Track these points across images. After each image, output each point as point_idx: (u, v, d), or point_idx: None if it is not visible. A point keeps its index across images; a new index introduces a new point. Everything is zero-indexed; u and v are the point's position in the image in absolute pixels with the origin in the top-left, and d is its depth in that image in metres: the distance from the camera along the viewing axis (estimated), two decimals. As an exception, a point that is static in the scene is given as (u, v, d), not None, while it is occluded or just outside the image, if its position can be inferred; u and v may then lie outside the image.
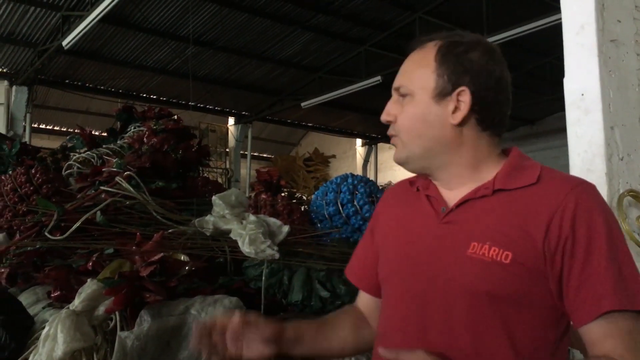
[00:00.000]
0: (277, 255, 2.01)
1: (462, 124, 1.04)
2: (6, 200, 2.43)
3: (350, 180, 2.71)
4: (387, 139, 1.11)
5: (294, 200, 2.94)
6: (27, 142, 4.58)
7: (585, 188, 0.99)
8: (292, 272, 2.03)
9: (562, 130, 1.96)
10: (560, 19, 1.84)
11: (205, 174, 3.37)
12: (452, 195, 1.07)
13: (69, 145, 3.33)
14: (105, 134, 3.47)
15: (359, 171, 15.16)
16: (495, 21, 8.43)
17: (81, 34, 7.89)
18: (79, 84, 11.06)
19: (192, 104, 11.75)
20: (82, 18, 7.75)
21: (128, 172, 2.42)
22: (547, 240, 0.95)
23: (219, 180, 8.35)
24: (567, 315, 0.98)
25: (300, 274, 2.02)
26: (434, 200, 1.09)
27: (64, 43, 8.27)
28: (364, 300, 1.27)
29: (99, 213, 2.15)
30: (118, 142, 3.15)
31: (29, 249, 2.08)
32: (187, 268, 1.76)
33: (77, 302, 1.60)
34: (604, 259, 0.93)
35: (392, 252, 1.15)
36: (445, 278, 1.01)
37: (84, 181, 2.61)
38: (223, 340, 1.13)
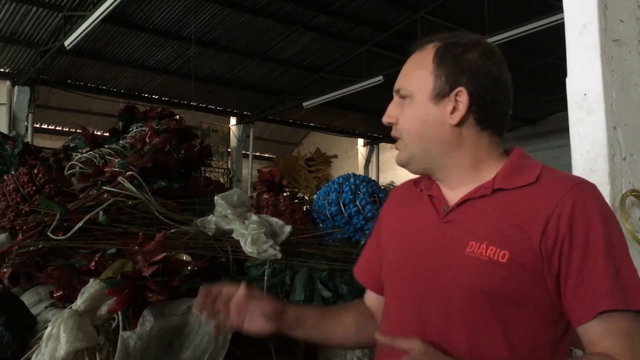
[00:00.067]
0: (279, 255, 2.01)
1: (460, 124, 1.05)
2: (9, 200, 2.43)
3: (352, 180, 2.71)
4: (388, 139, 1.12)
5: (296, 200, 2.94)
6: (30, 142, 4.59)
7: (584, 188, 0.99)
8: (294, 272, 2.03)
9: (563, 130, 1.96)
10: (562, 18, 1.83)
11: (207, 174, 3.37)
12: (454, 195, 1.08)
13: (72, 145, 3.33)
14: (107, 134, 3.47)
15: (360, 171, 15.15)
16: (496, 21, 8.41)
17: (83, 34, 7.90)
18: (81, 84, 11.06)
19: (194, 104, 11.75)
20: (84, 18, 7.76)
21: (130, 172, 2.42)
22: (545, 240, 0.95)
23: (221, 180, 8.36)
24: (566, 315, 0.98)
25: (303, 274, 2.02)
26: (435, 200, 1.10)
27: (66, 43, 8.27)
28: (370, 298, 1.28)
29: (101, 213, 2.15)
30: (120, 142, 3.15)
31: (31, 248, 2.08)
32: (189, 268, 1.76)
33: (79, 302, 1.60)
34: (602, 258, 0.93)
35: (394, 252, 1.16)
36: (443, 277, 1.02)
37: (87, 181, 2.61)
38: (227, 309, 1.16)
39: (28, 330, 1.72)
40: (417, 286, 1.07)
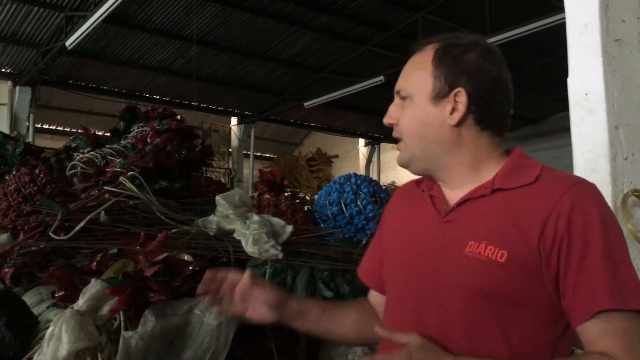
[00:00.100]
0: (280, 255, 2.01)
1: (460, 124, 1.06)
2: (10, 200, 2.43)
3: (353, 180, 2.71)
4: (390, 139, 1.14)
5: (298, 200, 2.94)
6: (31, 143, 4.59)
7: (583, 187, 0.99)
8: (296, 272, 2.03)
9: (565, 130, 1.96)
10: (564, 18, 1.84)
11: (208, 174, 3.37)
12: (454, 195, 1.09)
13: (73, 145, 3.33)
14: (108, 134, 3.47)
15: (361, 171, 15.14)
16: (498, 21, 8.41)
17: (84, 34, 7.91)
18: (83, 84, 11.08)
19: (195, 103, 11.76)
20: (85, 18, 7.77)
21: (132, 172, 2.42)
22: (543, 240, 0.96)
23: (222, 180, 8.36)
24: (566, 315, 0.98)
25: (304, 273, 2.02)
26: (436, 200, 1.11)
27: (67, 43, 8.29)
28: (374, 298, 1.30)
29: (102, 213, 2.15)
30: (121, 142, 3.15)
31: (33, 248, 2.08)
32: (191, 268, 1.76)
33: (81, 302, 1.60)
34: (600, 258, 0.93)
35: (396, 252, 1.17)
36: (443, 277, 1.03)
37: (88, 181, 2.61)
38: (231, 295, 1.18)
39: (30, 330, 1.72)
40: (417, 286, 1.07)
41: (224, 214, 2.21)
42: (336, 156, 16.37)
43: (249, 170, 14.18)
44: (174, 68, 10.91)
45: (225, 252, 2.07)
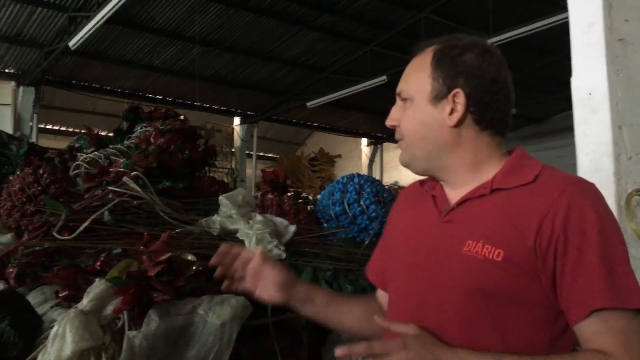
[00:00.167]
0: (283, 255, 2.01)
1: (459, 125, 1.07)
2: (14, 200, 2.44)
3: (356, 180, 2.71)
4: (392, 139, 1.16)
5: (300, 200, 2.94)
6: (35, 143, 4.60)
7: (581, 187, 1.00)
8: (299, 272, 2.03)
9: (568, 129, 1.96)
10: (567, 17, 1.83)
11: (211, 174, 3.37)
12: (455, 194, 1.10)
13: (76, 145, 3.34)
14: (112, 134, 3.48)
15: (364, 171, 15.14)
16: (501, 20, 8.40)
17: (88, 34, 7.93)
18: (86, 84, 11.10)
19: (198, 104, 11.77)
20: (88, 19, 7.78)
21: (135, 172, 2.42)
22: (539, 239, 0.96)
23: (225, 180, 8.37)
24: (564, 314, 0.99)
25: (307, 273, 2.02)
26: (438, 200, 1.12)
27: (71, 44, 8.31)
28: (381, 296, 1.31)
29: (106, 213, 2.16)
30: (125, 142, 3.15)
31: (37, 248, 2.08)
32: (194, 268, 1.76)
33: (85, 302, 1.61)
34: (596, 257, 0.94)
35: (399, 251, 1.18)
36: (441, 276, 1.04)
37: (92, 181, 2.61)
38: (242, 271, 1.22)
39: (34, 330, 1.72)
40: (417, 285, 1.09)
41: (227, 214, 2.21)
42: (339, 156, 16.36)
43: (251, 170, 14.18)
44: (177, 68, 10.92)
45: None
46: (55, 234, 2.07)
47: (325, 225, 2.62)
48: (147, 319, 1.57)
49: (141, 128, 3.23)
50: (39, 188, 2.43)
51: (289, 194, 2.86)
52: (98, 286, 1.65)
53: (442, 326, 1.02)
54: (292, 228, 2.19)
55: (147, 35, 9.67)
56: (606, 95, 1.67)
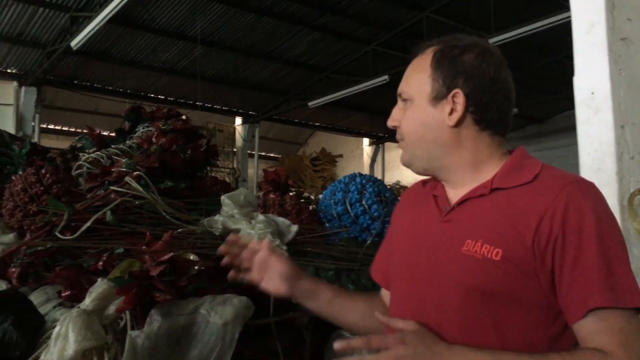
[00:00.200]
0: (285, 255, 2.01)
1: (459, 125, 1.08)
2: (17, 200, 2.44)
3: (358, 179, 2.71)
4: (394, 139, 1.17)
5: (303, 200, 2.94)
6: (37, 143, 4.60)
7: (579, 186, 1.00)
8: (301, 272, 2.03)
9: (570, 129, 1.96)
10: (569, 17, 1.83)
11: (213, 174, 3.37)
12: (456, 194, 1.10)
13: (79, 145, 3.34)
14: (114, 134, 3.48)
15: (366, 170, 15.14)
16: (503, 19, 8.39)
17: (90, 34, 7.93)
18: (88, 84, 11.10)
19: (200, 103, 11.78)
20: (90, 19, 7.79)
21: (137, 172, 2.42)
22: (537, 239, 0.96)
23: (226, 179, 8.36)
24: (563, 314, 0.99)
25: (309, 273, 2.02)
26: (439, 199, 1.13)
27: (73, 44, 8.31)
28: (385, 296, 1.31)
29: (108, 213, 2.16)
30: (127, 142, 3.15)
31: (39, 248, 2.09)
32: (196, 268, 1.76)
33: (87, 302, 1.61)
34: (594, 256, 0.94)
35: (401, 251, 1.19)
36: (441, 275, 1.05)
37: (94, 181, 2.61)
38: (250, 261, 1.24)
39: (36, 330, 1.73)
40: (417, 285, 1.09)
41: (229, 214, 2.21)
42: (340, 156, 16.36)
43: (253, 170, 14.19)
44: (179, 68, 10.92)
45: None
46: (57, 233, 2.07)
47: (327, 225, 2.62)
48: (150, 319, 1.57)
49: (143, 128, 3.23)
50: (42, 188, 2.43)
51: (290, 194, 2.86)
52: (100, 286, 1.65)
53: (442, 326, 1.02)
54: (294, 228, 2.19)
55: (149, 35, 9.68)
56: (608, 95, 1.67)
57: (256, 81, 11.99)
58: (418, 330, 0.98)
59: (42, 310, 1.85)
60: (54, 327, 1.59)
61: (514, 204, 1.01)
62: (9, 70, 10.19)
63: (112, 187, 2.39)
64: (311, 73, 11.94)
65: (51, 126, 12.91)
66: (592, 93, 1.71)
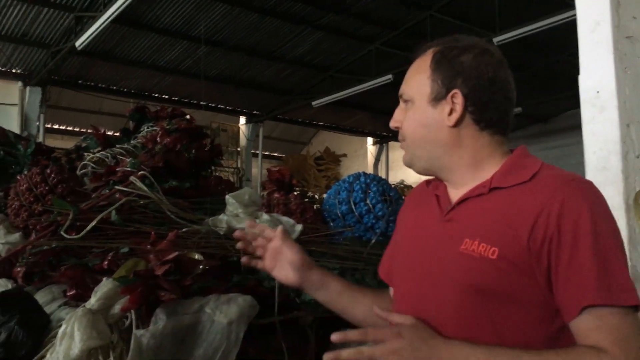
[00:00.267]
0: (290, 254, 2.01)
1: (458, 125, 1.09)
2: (22, 200, 2.45)
3: (362, 179, 2.71)
4: (397, 138, 1.17)
5: (307, 199, 2.94)
6: (42, 143, 4.61)
7: (576, 185, 1.00)
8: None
9: (575, 127, 1.96)
10: (574, 16, 1.83)
11: (217, 173, 3.38)
12: (457, 194, 1.12)
13: (83, 145, 3.34)
14: (118, 134, 3.48)
15: (370, 170, 15.13)
16: (507, 18, 8.37)
17: (94, 34, 7.96)
18: (92, 84, 11.15)
19: (204, 103, 11.81)
20: (94, 19, 7.82)
21: (142, 172, 2.43)
22: (533, 237, 0.97)
23: (231, 179, 8.38)
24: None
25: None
26: (441, 199, 1.14)
27: (77, 44, 8.34)
28: (392, 293, 1.31)
29: (113, 212, 2.16)
30: (131, 141, 3.16)
31: (45, 248, 2.09)
32: (201, 267, 1.77)
33: (93, 301, 1.61)
34: (589, 254, 0.94)
35: (405, 251, 1.21)
36: (440, 275, 1.06)
37: (99, 181, 2.62)
38: (263, 249, 1.27)
39: (42, 329, 1.73)
40: (417, 283, 1.11)
41: (233, 213, 2.21)
42: (344, 155, 16.35)
43: (257, 170, 14.21)
44: (183, 68, 10.95)
45: (236, 251, 2.07)
46: (62, 233, 2.08)
47: (331, 224, 2.62)
48: (155, 318, 1.57)
49: (147, 128, 3.24)
50: (47, 188, 2.44)
51: (295, 193, 2.86)
52: (105, 285, 1.65)
53: (441, 325, 1.03)
54: (299, 227, 2.19)
55: (153, 35, 9.70)
56: (614, 93, 1.66)
57: (260, 81, 12.00)
58: (415, 324, 0.99)
59: (48, 309, 1.85)
60: (60, 326, 1.59)
61: (512, 203, 1.01)
62: (13, 71, 10.23)
63: (117, 187, 2.39)
64: (315, 72, 11.94)
65: (56, 126, 12.94)
66: (598, 91, 1.70)
